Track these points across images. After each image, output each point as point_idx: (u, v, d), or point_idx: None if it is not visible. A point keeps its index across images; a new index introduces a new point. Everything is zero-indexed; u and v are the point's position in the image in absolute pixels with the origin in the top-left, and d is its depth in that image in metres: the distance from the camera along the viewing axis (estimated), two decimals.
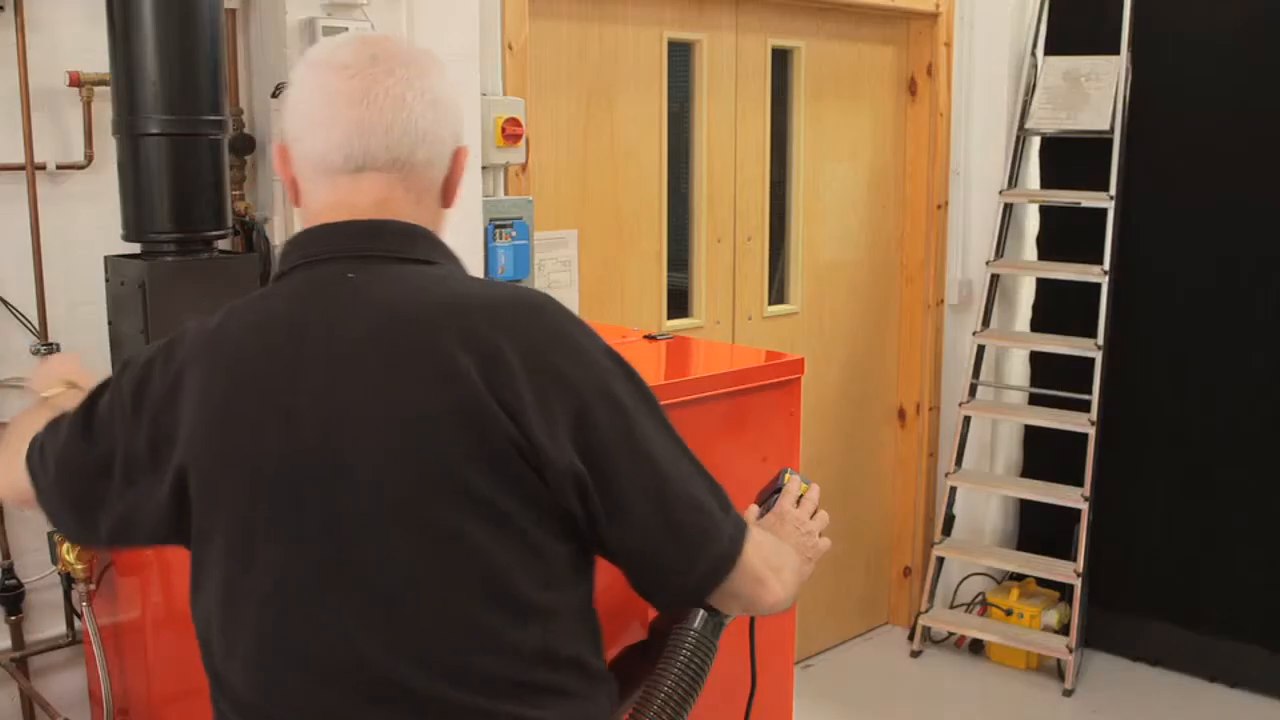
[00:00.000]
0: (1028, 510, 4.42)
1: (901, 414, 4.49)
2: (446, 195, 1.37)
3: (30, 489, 1.44)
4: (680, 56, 3.59)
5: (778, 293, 4.05)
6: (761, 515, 1.70)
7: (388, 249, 1.31)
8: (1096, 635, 4.26)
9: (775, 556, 1.42)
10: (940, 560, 4.28)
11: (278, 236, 2.55)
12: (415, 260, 1.31)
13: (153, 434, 1.30)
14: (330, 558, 1.23)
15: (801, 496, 1.68)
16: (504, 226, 2.97)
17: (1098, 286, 4.00)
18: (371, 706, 1.23)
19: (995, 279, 4.25)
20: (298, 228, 2.48)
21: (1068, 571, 4.04)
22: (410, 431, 1.21)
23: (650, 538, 1.29)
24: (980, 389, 4.29)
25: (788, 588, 1.42)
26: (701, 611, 1.75)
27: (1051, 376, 4.23)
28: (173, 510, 1.31)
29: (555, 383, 1.23)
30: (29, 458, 1.44)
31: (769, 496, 1.71)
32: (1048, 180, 4.31)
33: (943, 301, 4.41)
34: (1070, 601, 4.06)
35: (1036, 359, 4.36)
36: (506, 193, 3.03)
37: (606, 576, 1.81)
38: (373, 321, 1.25)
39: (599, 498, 1.24)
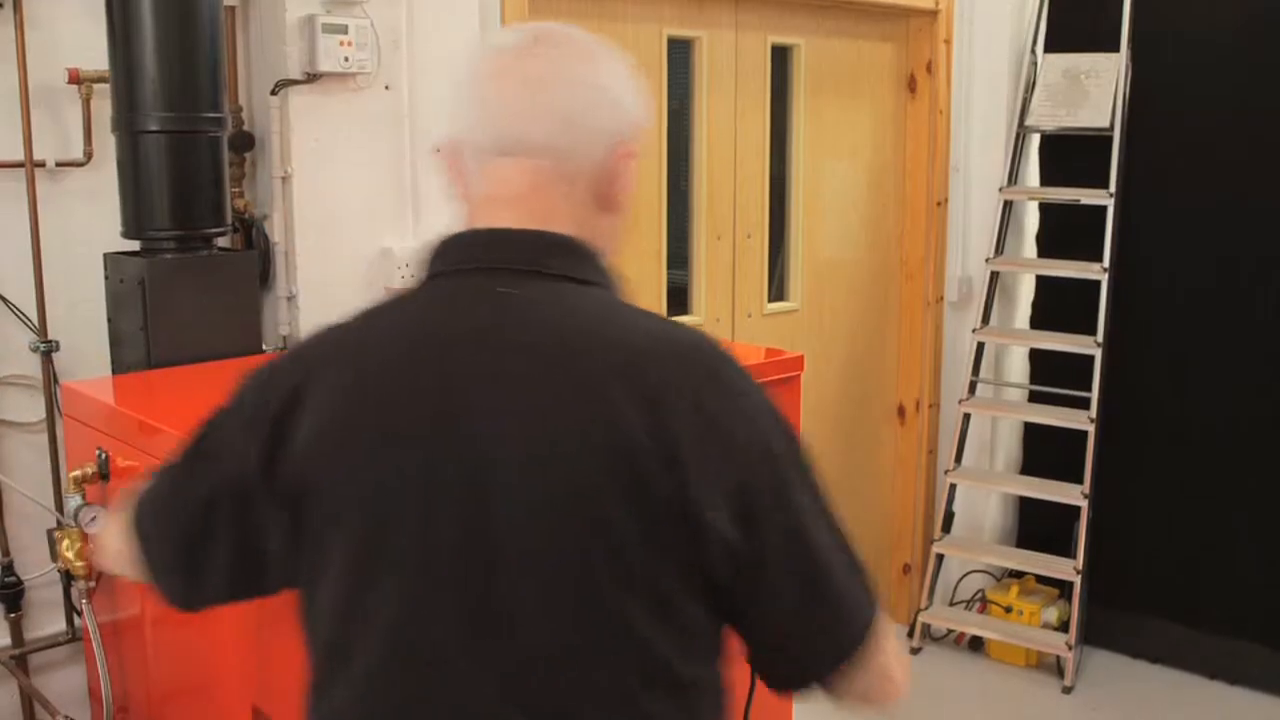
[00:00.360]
0: (1027, 507, 4.41)
1: (901, 411, 4.49)
2: (606, 197, 1.23)
3: (135, 546, 1.30)
4: (680, 54, 3.59)
5: (777, 290, 4.05)
6: None
7: (554, 267, 1.18)
8: (1096, 632, 4.26)
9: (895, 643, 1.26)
10: (940, 557, 4.27)
11: (277, 233, 2.55)
12: (576, 280, 1.18)
13: (270, 446, 1.18)
14: (465, 602, 1.10)
15: None
16: None
17: (1097, 284, 3.99)
18: None
19: (995, 276, 4.24)
20: (297, 224, 2.46)
21: (1067, 569, 4.04)
22: (562, 479, 1.08)
23: (785, 621, 1.17)
24: (980, 386, 4.29)
25: (906, 681, 1.26)
26: None
27: (1051, 374, 4.23)
28: (291, 532, 1.19)
29: (720, 441, 1.10)
30: (132, 517, 1.32)
31: None
32: (1047, 178, 4.31)
33: (942, 299, 4.41)
34: (1070, 599, 4.06)
35: (1036, 356, 4.35)
36: None
37: None
38: (530, 348, 1.12)
39: (746, 569, 1.12)
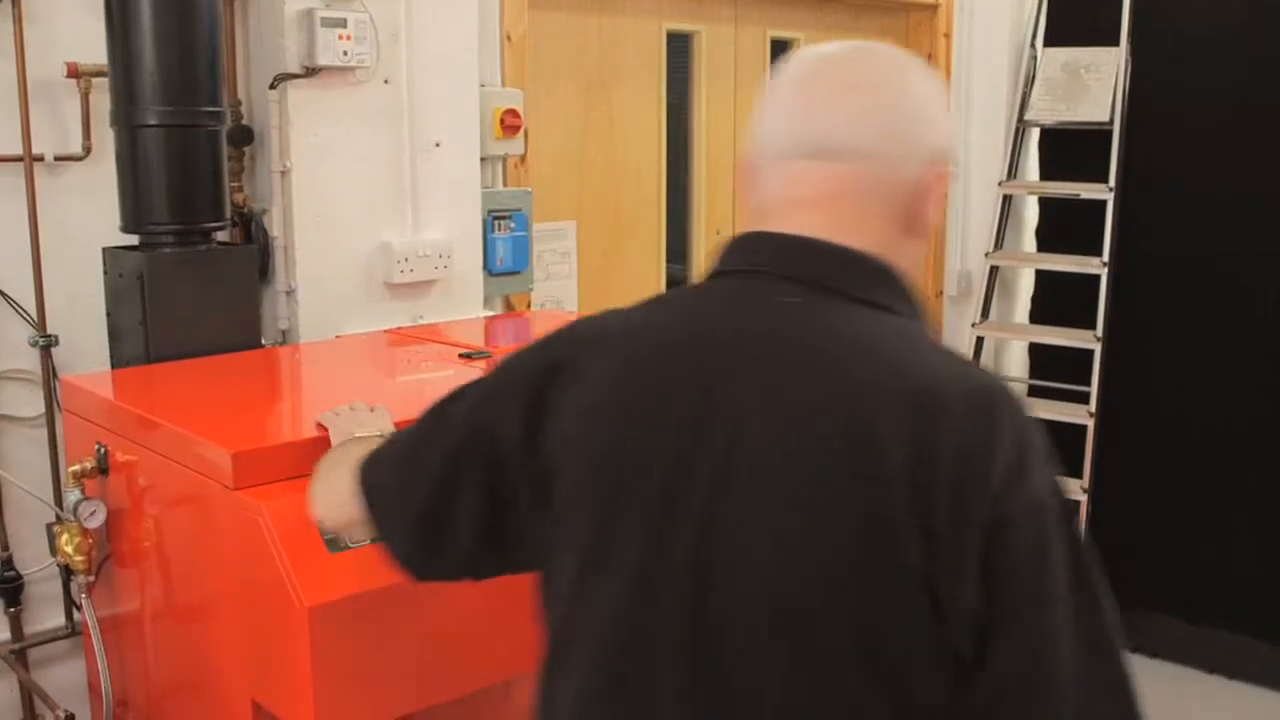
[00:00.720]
0: None
1: None
2: (914, 217, 1.14)
3: (361, 510, 1.30)
4: (679, 48, 3.59)
5: None
6: None
7: (846, 285, 1.09)
8: None
9: None
10: None
11: (276, 228, 2.54)
12: (871, 304, 1.09)
13: (535, 417, 1.14)
14: (679, 631, 1.03)
15: None
16: (502, 218, 2.96)
17: (1097, 278, 3.99)
18: None
19: (994, 270, 4.24)
20: (296, 218, 2.46)
21: None
22: (812, 523, 0.99)
23: (1001, 698, 0.99)
24: None
25: None
26: None
27: (1050, 368, 4.23)
28: (536, 510, 1.16)
29: (983, 503, 0.97)
30: (364, 475, 1.30)
31: None
32: (1047, 172, 4.30)
33: (942, 293, 4.41)
34: None
35: (1035, 351, 4.35)
36: (505, 184, 3.03)
37: None
38: (803, 369, 1.04)
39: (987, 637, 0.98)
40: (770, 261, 1.12)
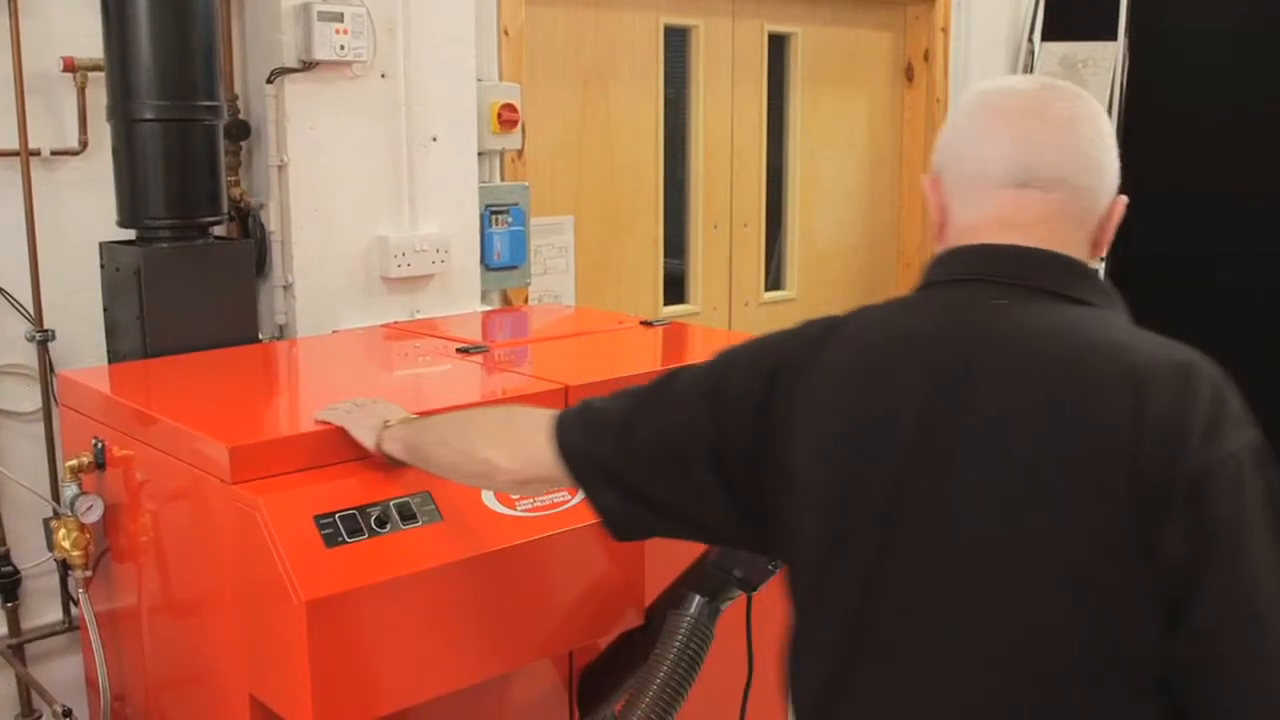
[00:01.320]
0: None
1: None
2: (1099, 243, 1.29)
3: (560, 471, 1.40)
4: (676, 42, 3.58)
5: (774, 279, 4.05)
6: None
7: (1050, 283, 1.21)
8: None
9: None
10: None
11: (273, 222, 2.54)
12: (1076, 299, 1.21)
13: (767, 400, 1.26)
14: (973, 621, 1.12)
15: None
16: (500, 213, 2.96)
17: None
18: None
19: None
20: (293, 213, 2.47)
21: None
22: (1040, 489, 1.10)
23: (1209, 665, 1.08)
24: None
25: None
26: (698, 597, 1.75)
27: None
28: (757, 490, 1.27)
29: (1186, 462, 1.06)
30: (565, 439, 1.39)
31: None
32: None
33: None
34: None
35: None
36: (502, 179, 3.03)
37: (605, 568, 1.81)
38: (1032, 367, 1.14)
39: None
40: (984, 269, 1.24)
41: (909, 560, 1.15)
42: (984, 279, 1.23)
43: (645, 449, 1.34)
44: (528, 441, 1.43)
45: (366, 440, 1.68)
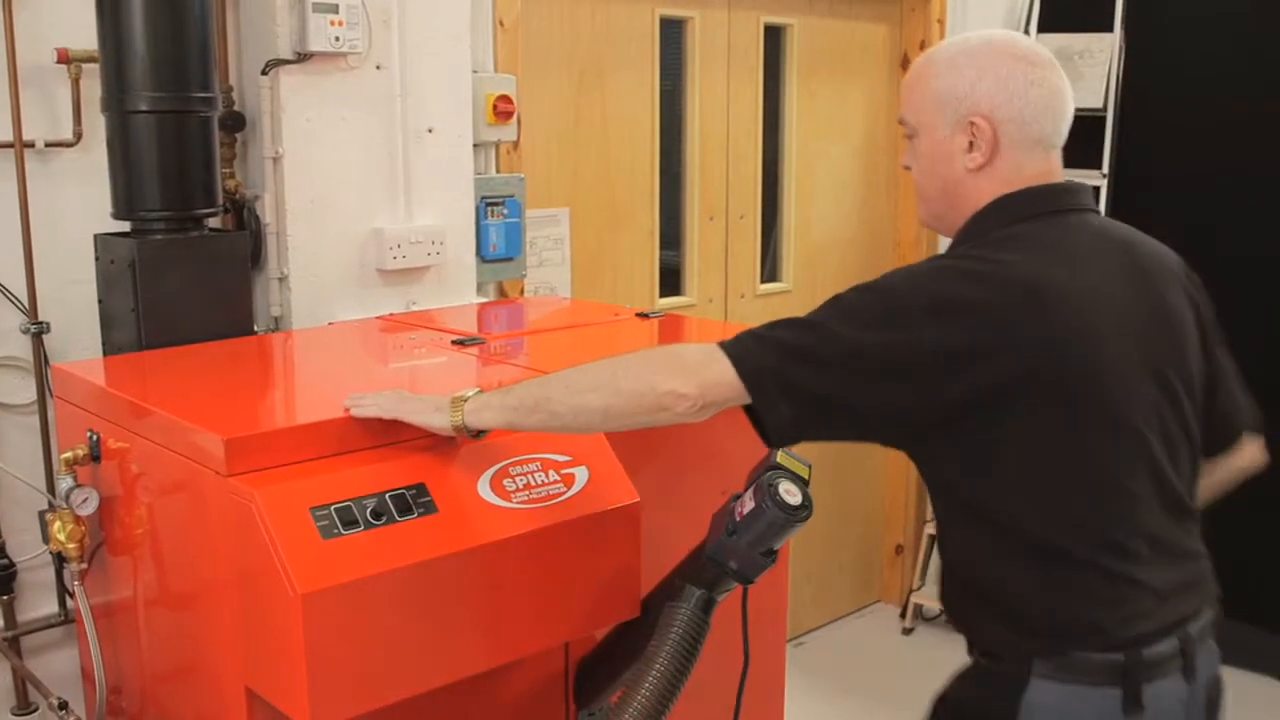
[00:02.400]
0: None
1: None
2: None
3: (735, 381, 1.55)
4: (672, 34, 3.58)
5: (770, 271, 4.05)
6: (751, 492, 1.69)
7: (1087, 204, 1.70)
8: None
9: None
10: (932, 538, 4.28)
11: (268, 214, 2.54)
12: (1095, 211, 1.72)
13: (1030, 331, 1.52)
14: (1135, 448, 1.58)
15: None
16: (495, 204, 2.96)
17: None
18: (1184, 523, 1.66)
19: None
20: (288, 204, 2.47)
21: None
22: (1193, 346, 1.70)
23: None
24: None
25: None
26: (694, 589, 1.75)
27: None
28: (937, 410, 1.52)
29: (1207, 304, 1.78)
30: (737, 350, 1.56)
31: (761, 475, 1.71)
32: None
33: None
34: None
35: None
36: (498, 170, 3.02)
37: (601, 560, 1.81)
38: (1133, 256, 1.69)
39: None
40: (1077, 201, 1.69)
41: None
42: (1079, 209, 1.68)
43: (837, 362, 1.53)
44: (705, 366, 1.57)
45: (437, 422, 1.71)
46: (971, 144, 1.65)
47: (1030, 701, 1.54)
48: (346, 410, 1.74)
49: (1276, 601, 3.95)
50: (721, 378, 1.56)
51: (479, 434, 1.74)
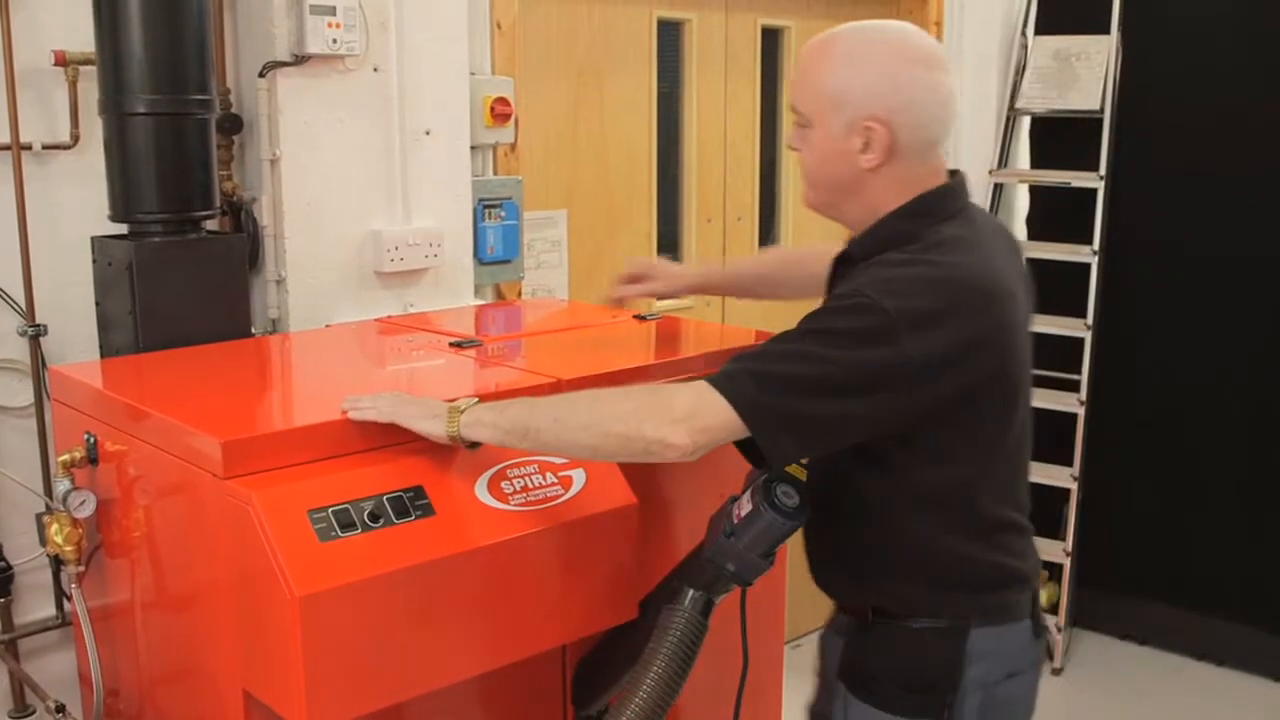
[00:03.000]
0: None
1: None
2: None
3: (732, 420, 1.57)
4: (670, 36, 3.58)
5: None
6: (749, 494, 1.69)
7: (969, 193, 1.77)
8: (1085, 614, 4.28)
9: None
10: None
11: (265, 216, 2.53)
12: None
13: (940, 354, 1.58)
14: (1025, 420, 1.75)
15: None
16: (493, 206, 2.96)
17: (1087, 266, 4.00)
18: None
19: None
20: (286, 207, 2.48)
21: (1056, 551, 4.06)
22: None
23: None
24: None
25: None
26: (692, 590, 1.75)
27: (1041, 356, 4.20)
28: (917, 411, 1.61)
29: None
30: (731, 387, 1.58)
31: (758, 477, 1.71)
32: (1038, 160, 4.31)
33: None
34: (1059, 581, 4.08)
35: None
36: (495, 173, 3.02)
37: (599, 562, 1.81)
38: (1011, 244, 1.82)
39: None
40: (963, 197, 1.76)
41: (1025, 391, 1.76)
42: (969, 205, 1.76)
43: (815, 411, 1.59)
44: (696, 414, 1.58)
45: (432, 429, 1.71)
46: (867, 144, 1.67)
47: (972, 648, 1.72)
48: (344, 413, 1.74)
49: (1277, 602, 3.95)
50: (717, 420, 1.58)
51: (473, 445, 1.73)
